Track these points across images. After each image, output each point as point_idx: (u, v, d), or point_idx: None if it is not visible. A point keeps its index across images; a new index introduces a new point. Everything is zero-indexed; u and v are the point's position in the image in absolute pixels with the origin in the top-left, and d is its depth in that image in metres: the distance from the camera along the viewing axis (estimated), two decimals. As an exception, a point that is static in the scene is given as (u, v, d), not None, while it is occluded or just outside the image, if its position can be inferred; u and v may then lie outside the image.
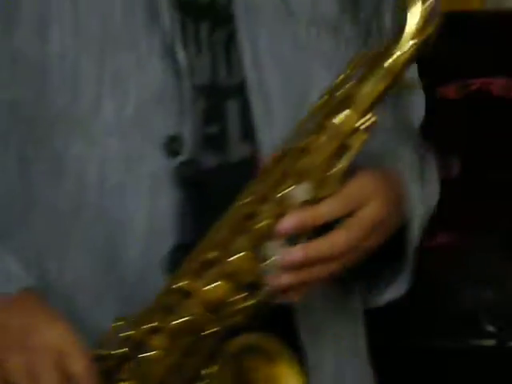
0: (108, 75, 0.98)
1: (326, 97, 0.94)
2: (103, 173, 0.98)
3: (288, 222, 0.92)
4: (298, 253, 0.92)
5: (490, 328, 1.71)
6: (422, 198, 1.08)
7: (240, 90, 1.04)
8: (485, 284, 1.74)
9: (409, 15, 0.92)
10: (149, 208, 1.00)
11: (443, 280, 1.81)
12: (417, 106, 1.21)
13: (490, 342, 1.72)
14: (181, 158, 0.97)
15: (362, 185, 0.97)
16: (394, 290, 1.03)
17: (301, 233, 0.93)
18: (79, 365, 0.90)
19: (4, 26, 0.98)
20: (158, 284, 0.96)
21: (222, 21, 1.02)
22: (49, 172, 0.99)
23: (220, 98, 1.04)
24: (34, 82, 0.98)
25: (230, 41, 1.03)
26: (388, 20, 1.12)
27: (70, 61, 0.97)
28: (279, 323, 0.99)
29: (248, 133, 1.02)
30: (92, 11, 0.98)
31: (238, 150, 1.02)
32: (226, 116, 1.03)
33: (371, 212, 0.96)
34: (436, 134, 1.68)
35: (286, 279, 0.91)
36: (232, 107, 1.04)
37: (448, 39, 1.96)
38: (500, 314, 1.74)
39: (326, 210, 0.93)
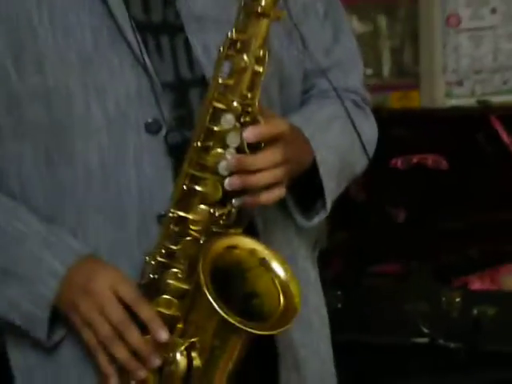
0: (92, 88, 1.10)
1: (227, 43, 1.05)
2: (101, 158, 1.11)
3: (251, 133, 1.02)
4: (236, 157, 1.01)
5: (425, 330, 1.97)
6: (334, 148, 1.20)
7: (202, 81, 1.14)
8: (421, 299, 2.02)
9: None
10: (139, 177, 1.12)
11: (392, 295, 2.10)
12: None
13: (425, 340, 1.97)
14: (162, 133, 1.10)
15: (282, 120, 1.09)
16: (318, 218, 1.19)
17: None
18: (128, 292, 1.05)
19: (17, 68, 1.11)
20: (155, 232, 1.09)
21: (177, 31, 1.14)
22: (66, 164, 1.13)
23: (184, 89, 1.15)
24: (43, 101, 1.12)
25: (188, 45, 1.15)
26: None
27: (62, 85, 1.11)
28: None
29: None
30: (69, 46, 1.11)
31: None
32: (190, 102, 1.16)
33: (291, 137, 1.07)
34: (389, 192, 2.32)
35: (238, 180, 1.02)
36: (194, 94, 1.17)
37: (397, 127, 2.30)
38: (432, 320, 1.98)
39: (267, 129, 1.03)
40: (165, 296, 1.06)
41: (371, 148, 1.28)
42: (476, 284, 2.15)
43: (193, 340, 1.03)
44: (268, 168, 1.03)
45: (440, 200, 2.31)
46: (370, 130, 1.30)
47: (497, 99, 2.56)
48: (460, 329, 1.95)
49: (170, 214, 1.05)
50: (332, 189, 1.16)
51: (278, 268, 1.05)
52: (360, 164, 1.27)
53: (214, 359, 1.05)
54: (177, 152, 1.10)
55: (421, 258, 2.24)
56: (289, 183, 1.10)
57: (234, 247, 1.06)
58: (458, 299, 1.99)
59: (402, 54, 2.67)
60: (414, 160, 2.34)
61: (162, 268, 1.06)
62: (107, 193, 1.12)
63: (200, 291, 1.00)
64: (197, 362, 1.04)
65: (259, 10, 1.00)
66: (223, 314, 0.97)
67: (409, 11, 2.61)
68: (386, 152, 2.29)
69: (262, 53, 1.02)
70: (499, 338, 1.93)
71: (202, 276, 0.99)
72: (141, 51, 1.08)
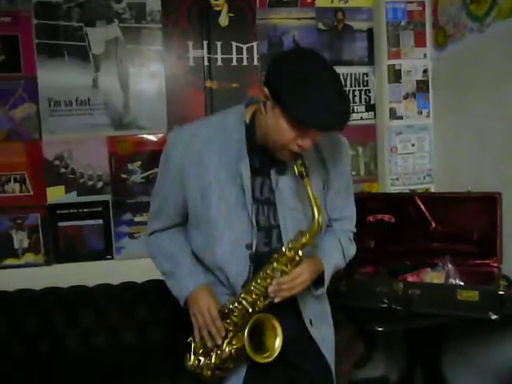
0: (227, 225, 1.56)
1: (286, 249, 1.50)
2: (226, 253, 1.60)
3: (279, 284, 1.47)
4: (274, 286, 1.49)
5: (386, 300, 2.51)
6: (333, 265, 1.66)
7: (278, 227, 1.58)
8: (383, 285, 2.54)
9: (314, 222, 1.45)
10: (236, 265, 1.60)
11: (369, 282, 2.63)
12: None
13: (385, 305, 2.52)
14: (252, 250, 1.57)
15: (303, 267, 1.54)
16: (321, 291, 1.66)
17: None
18: (213, 311, 1.62)
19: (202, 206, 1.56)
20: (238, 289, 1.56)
21: (272, 203, 1.59)
22: (211, 253, 1.63)
23: (270, 229, 1.61)
24: (206, 220, 1.58)
25: (275, 209, 1.58)
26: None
27: (215, 218, 1.56)
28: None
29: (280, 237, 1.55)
30: (223, 203, 1.55)
31: (275, 243, 1.60)
32: (272, 236, 1.60)
33: (305, 277, 1.52)
34: (366, 233, 3.04)
35: (273, 293, 1.49)
36: (275, 233, 1.60)
37: (369, 200, 3.00)
38: (389, 296, 2.51)
39: (290, 278, 1.50)
40: (228, 319, 1.62)
41: (352, 256, 1.75)
42: (410, 278, 2.66)
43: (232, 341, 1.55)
44: (286, 290, 1.53)
45: (391, 237, 3.02)
46: (352, 251, 1.80)
47: (416, 187, 3.35)
48: (403, 300, 2.52)
49: (242, 295, 1.57)
50: (328, 279, 1.66)
51: (277, 327, 1.56)
52: (343, 266, 1.73)
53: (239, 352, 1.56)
54: (255, 260, 1.58)
55: (383, 264, 2.88)
56: (311, 281, 1.56)
57: (261, 317, 1.57)
58: (401, 286, 2.56)
59: (369, 165, 3.43)
60: (378, 217, 3.02)
61: (230, 309, 1.61)
62: (223, 268, 1.63)
63: (243, 330, 1.53)
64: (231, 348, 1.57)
65: (306, 239, 1.49)
66: (248, 348, 1.50)
67: (372, 145, 3.44)
68: (364, 213, 3.06)
69: (301, 253, 1.55)
70: (422, 305, 2.48)
71: (247, 329, 1.54)
72: (252, 213, 1.54)
